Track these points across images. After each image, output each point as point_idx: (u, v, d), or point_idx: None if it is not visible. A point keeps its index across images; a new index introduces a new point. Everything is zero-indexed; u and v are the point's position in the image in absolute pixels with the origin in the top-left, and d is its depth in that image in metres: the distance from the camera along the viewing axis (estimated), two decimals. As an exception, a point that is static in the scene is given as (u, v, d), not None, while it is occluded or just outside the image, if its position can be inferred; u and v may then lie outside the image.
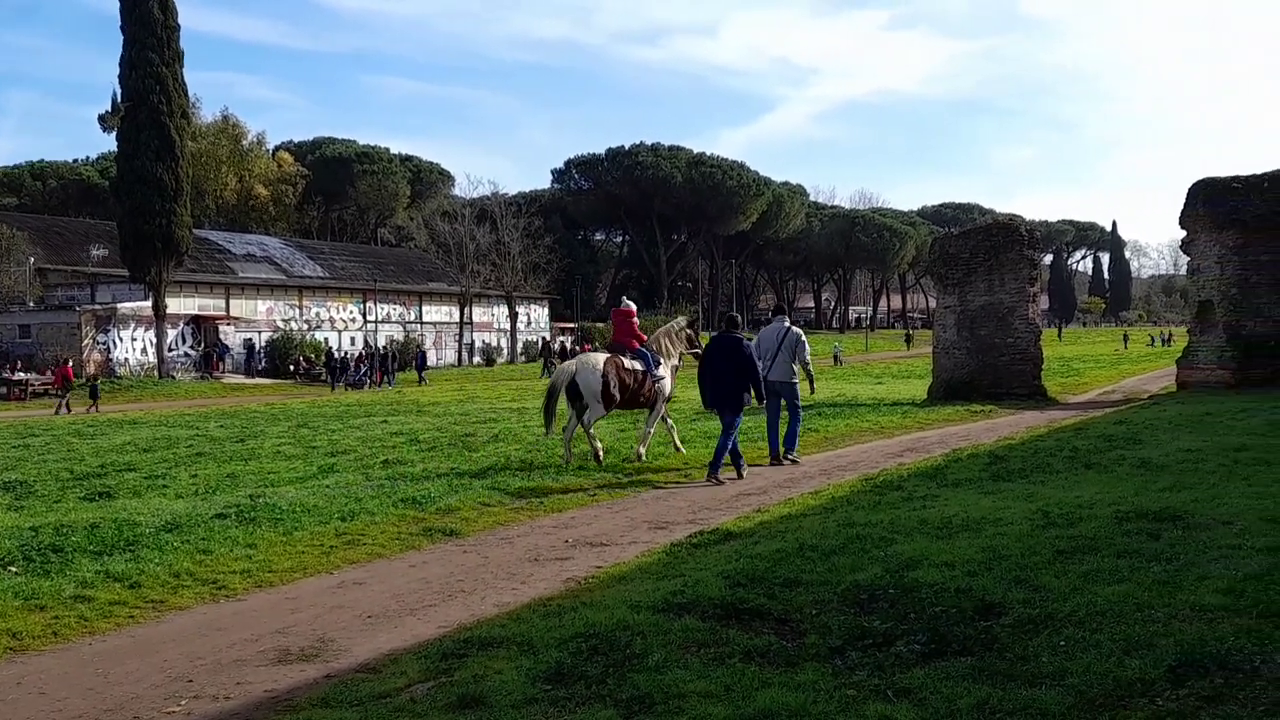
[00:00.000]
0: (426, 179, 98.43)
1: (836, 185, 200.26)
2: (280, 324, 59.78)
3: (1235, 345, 24.46)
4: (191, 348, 53.98)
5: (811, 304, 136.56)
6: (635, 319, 15.71)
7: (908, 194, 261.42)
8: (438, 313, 72.51)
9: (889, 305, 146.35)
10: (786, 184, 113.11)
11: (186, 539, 9.34)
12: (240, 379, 53.39)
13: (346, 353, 54.03)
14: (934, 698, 4.72)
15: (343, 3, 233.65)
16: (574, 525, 10.29)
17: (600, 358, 14.58)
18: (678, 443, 15.56)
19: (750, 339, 14.54)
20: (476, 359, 72.88)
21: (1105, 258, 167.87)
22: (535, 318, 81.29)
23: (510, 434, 18.81)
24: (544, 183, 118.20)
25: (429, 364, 59.18)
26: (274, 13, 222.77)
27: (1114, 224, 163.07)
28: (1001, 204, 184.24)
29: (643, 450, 15.02)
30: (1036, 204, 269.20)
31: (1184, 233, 26.52)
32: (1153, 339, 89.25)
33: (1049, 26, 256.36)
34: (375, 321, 66.27)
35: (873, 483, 11.71)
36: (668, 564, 8.02)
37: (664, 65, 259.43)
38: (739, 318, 15.75)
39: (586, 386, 14.09)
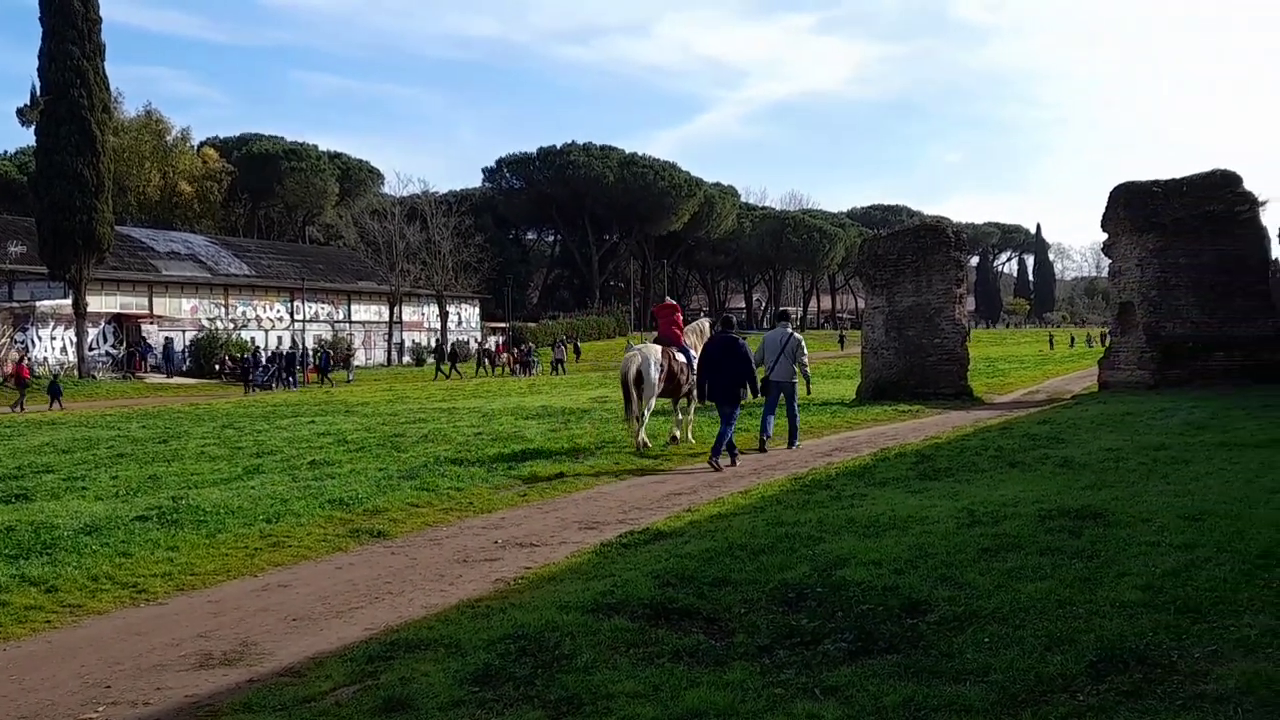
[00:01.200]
0: (355, 176, 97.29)
1: (768, 186, 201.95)
2: (205, 323, 58.88)
3: (1155, 346, 24.96)
4: (113, 347, 52.98)
5: (743, 304, 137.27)
6: (680, 314, 17.29)
7: (838, 196, 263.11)
8: (367, 312, 71.87)
9: (819, 306, 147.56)
10: (718, 185, 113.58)
11: (106, 542, 9.15)
12: (162, 379, 52.41)
13: (256, 352, 51.60)
14: (860, 695, 4.76)
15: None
16: (504, 526, 10.24)
17: (657, 349, 15.94)
18: (689, 425, 17.26)
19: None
20: (406, 359, 72.32)
21: (1030, 260, 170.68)
22: (466, 317, 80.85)
23: (440, 434, 18.66)
24: (475, 181, 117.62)
25: (358, 364, 58.57)
26: (198, 7, 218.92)
27: (1038, 227, 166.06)
28: (930, 206, 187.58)
29: (689, 435, 17.02)
30: (964, 206, 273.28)
31: (1106, 236, 27.04)
32: (1073, 339, 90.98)
33: (977, 31, 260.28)
34: (303, 321, 65.44)
35: (802, 482, 11.78)
36: (598, 564, 8.00)
37: (596, 65, 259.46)
38: (734, 318, 17.41)
39: (647, 377, 15.42)
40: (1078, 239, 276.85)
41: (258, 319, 63.22)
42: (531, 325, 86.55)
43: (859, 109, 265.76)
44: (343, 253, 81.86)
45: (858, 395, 26.84)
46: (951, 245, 26.90)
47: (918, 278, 26.69)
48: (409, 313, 74.69)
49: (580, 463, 14.33)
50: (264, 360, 50.24)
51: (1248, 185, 25.03)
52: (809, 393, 17.93)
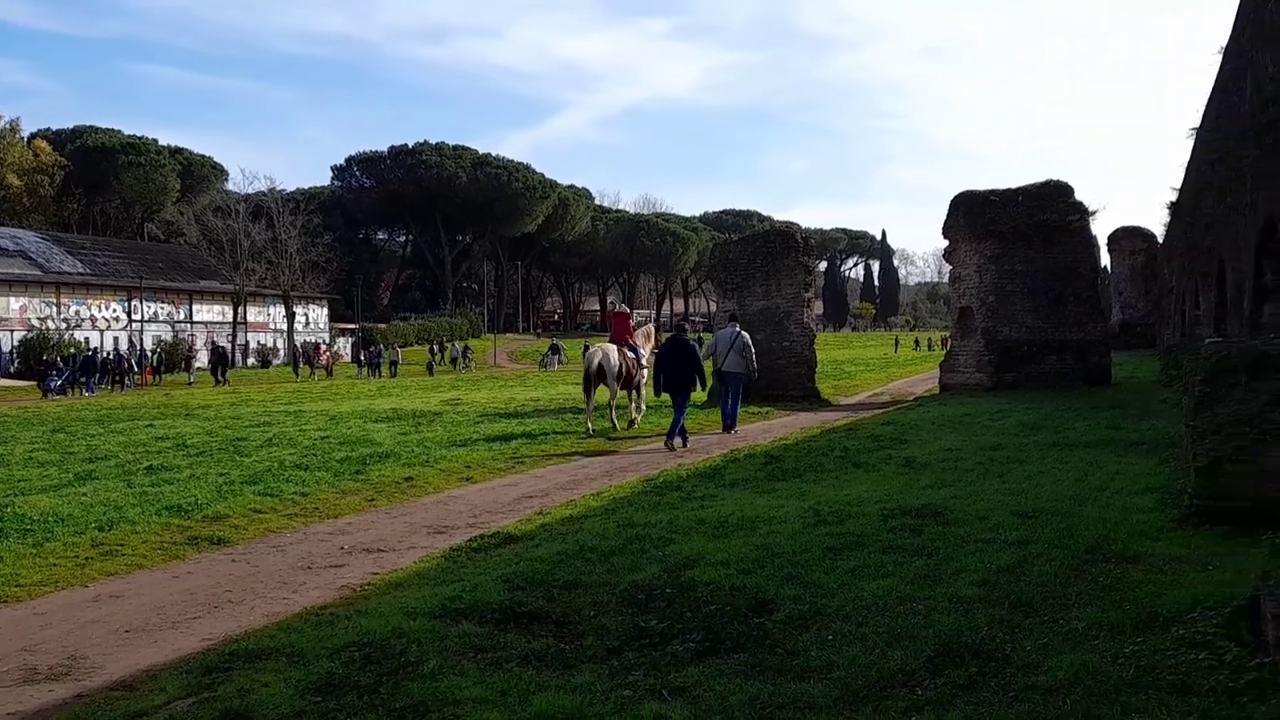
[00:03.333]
0: (198, 172, 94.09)
1: (621, 189, 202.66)
2: (36, 323, 56.26)
3: (992, 350, 25.86)
4: (-68, 348, 50.18)
5: (597, 307, 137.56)
6: (631, 320, 20.55)
7: (691, 200, 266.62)
8: (210, 312, 69.75)
9: (672, 309, 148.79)
10: (572, 187, 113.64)
11: (-79, 553, 8.65)
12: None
13: (65, 357, 47.64)
14: (708, 695, 4.80)
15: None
16: (350, 531, 10.02)
17: (614, 348, 19.15)
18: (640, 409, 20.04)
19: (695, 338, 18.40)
20: (251, 360, 70.37)
21: (876, 265, 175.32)
22: (314, 318, 79.13)
23: (285, 438, 18.19)
24: (324, 179, 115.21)
25: (200, 366, 56.52)
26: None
27: (883, 233, 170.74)
28: (780, 212, 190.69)
29: (638, 418, 19.84)
30: (813, 213, 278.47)
31: (946, 242, 27.88)
32: (917, 342, 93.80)
33: (823, 42, 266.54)
34: (141, 321, 63.09)
35: (653, 483, 11.85)
36: (446, 569, 7.89)
37: (448, 65, 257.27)
38: (687, 326, 20.73)
39: (609, 369, 18.66)
40: (921, 245, 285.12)
41: (92, 319, 60.74)
42: (382, 326, 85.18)
43: (711, 115, 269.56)
44: (184, 251, 79.13)
45: (709, 397, 27.08)
46: (800, 250, 27.40)
47: (767, 282, 27.13)
48: (254, 313, 72.70)
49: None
50: (60, 364, 45.87)
51: (1078, 196, 26.13)
52: (756, 378, 20.52)
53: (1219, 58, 17.79)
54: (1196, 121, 23.33)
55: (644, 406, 20.24)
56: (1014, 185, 26.59)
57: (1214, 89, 19.32)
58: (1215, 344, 9.26)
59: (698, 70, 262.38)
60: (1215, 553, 6.78)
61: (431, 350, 71.10)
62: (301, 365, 57.91)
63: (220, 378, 49.19)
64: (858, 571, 6.84)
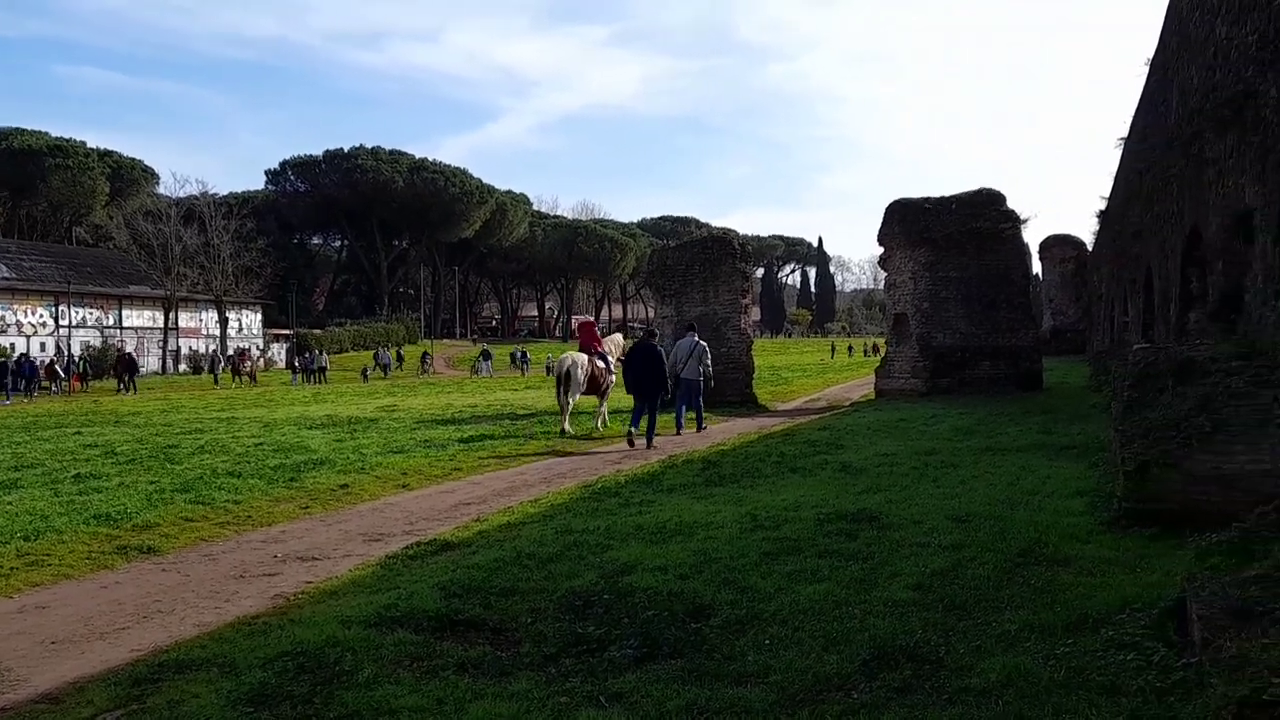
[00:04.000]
0: (128, 176, 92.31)
1: (559, 195, 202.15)
2: (-41, 328, 55.01)
3: (927, 355, 26.18)
4: None
5: (535, 313, 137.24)
6: (597, 328, 22.08)
7: (629, 206, 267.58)
8: (140, 317, 68.62)
9: (610, 315, 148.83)
10: (510, 192, 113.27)
11: None
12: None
13: None
14: (645, 701, 4.80)
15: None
16: (284, 539, 9.88)
17: (583, 356, 20.09)
18: (605, 420, 20.71)
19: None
20: (183, 366, 69.28)
21: (813, 272, 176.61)
22: (247, 324, 78.15)
23: (218, 445, 17.92)
24: (258, 184, 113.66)
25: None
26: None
27: (820, 240, 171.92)
28: (718, 218, 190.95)
29: (600, 425, 20.19)
30: (750, 219, 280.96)
31: (881, 249, 28.19)
32: (851, 349, 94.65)
33: (760, 51, 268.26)
34: (69, 326, 61.87)
35: (591, 489, 11.83)
36: (382, 577, 7.81)
37: (384, 69, 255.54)
38: (657, 331, 22.08)
39: (574, 376, 19.57)
40: (857, 252, 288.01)
41: (18, 324, 59.46)
42: (317, 332, 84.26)
43: (649, 122, 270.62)
44: (113, 255, 77.68)
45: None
46: (738, 256, 27.54)
47: (705, 288, 27.24)
48: (186, 319, 71.68)
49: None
50: None
51: (1011, 204, 26.54)
52: (712, 385, 21.35)
53: (1146, 69, 18.18)
54: (1125, 132, 23.84)
55: (605, 412, 20.99)
56: (948, 193, 26.93)
57: (1141, 100, 19.73)
58: (1143, 350, 9.45)
59: (636, 77, 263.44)
60: (1143, 555, 6.90)
61: (376, 356, 70.27)
62: (222, 372, 56.16)
63: (125, 385, 47.46)
64: (794, 576, 6.88)
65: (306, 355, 62.83)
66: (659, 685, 4.99)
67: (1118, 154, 26.05)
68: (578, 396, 19.95)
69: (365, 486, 13.10)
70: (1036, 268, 57.03)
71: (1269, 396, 7.48)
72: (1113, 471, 9.03)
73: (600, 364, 20.32)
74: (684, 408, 20.15)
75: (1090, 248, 45.51)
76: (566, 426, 19.27)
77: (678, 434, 19.33)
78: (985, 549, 7.34)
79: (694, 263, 27.47)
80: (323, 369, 57.85)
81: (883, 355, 28.93)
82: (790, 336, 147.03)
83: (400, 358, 69.63)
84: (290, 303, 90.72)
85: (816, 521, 8.68)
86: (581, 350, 20.64)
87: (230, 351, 65.53)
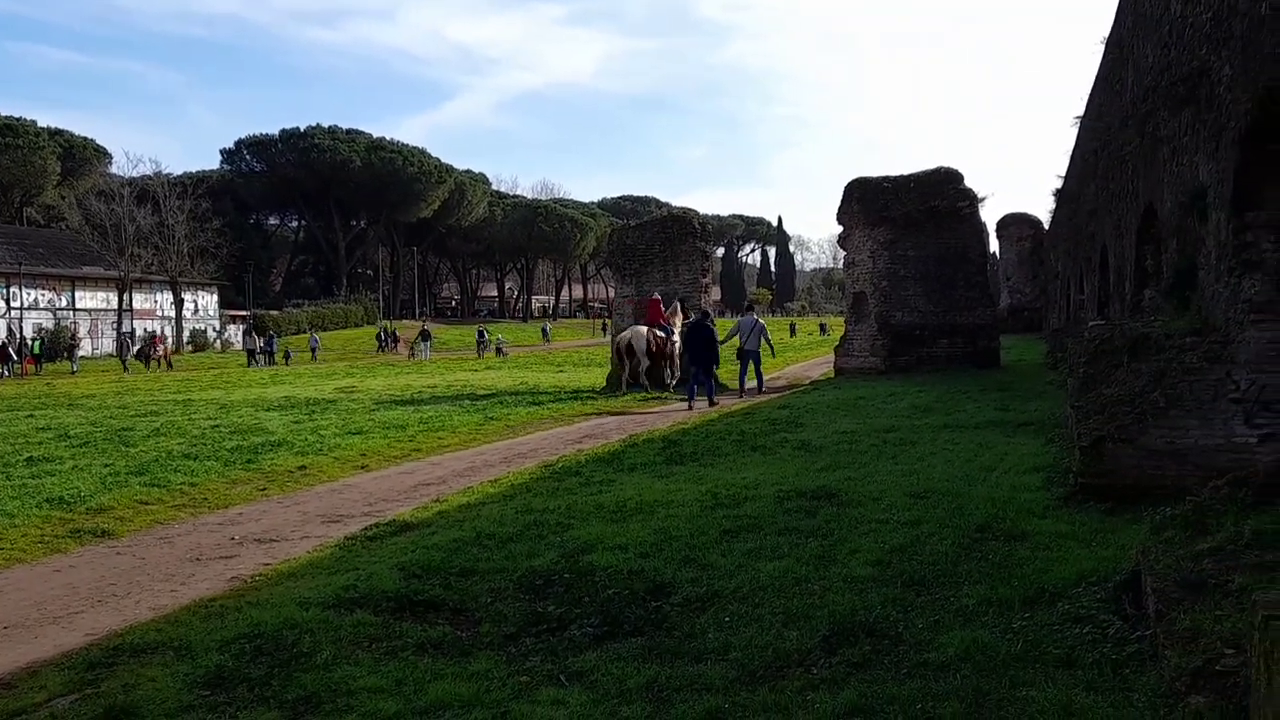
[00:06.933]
0: (80, 155, 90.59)
1: (519, 175, 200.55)
2: (-93, 311, 53.98)
3: (886, 334, 26.28)
4: None
5: (495, 293, 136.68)
6: (662, 305, 24.52)
7: (589, 186, 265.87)
8: (93, 299, 67.66)
9: (570, 295, 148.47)
10: (469, 172, 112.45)
11: None
12: None
13: None
14: (605, 679, 4.80)
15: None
16: (241, 521, 9.81)
17: (644, 328, 23.60)
18: (675, 378, 24.04)
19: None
20: (138, 348, 68.47)
21: (772, 251, 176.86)
22: (203, 305, 77.33)
23: (174, 427, 17.72)
24: (213, 163, 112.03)
25: (83, 354, 54.43)
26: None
27: (780, 220, 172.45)
28: (678, 198, 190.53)
29: (671, 384, 23.87)
30: (710, 199, 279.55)
31: (841, 229, 28.25)
32: (822, 327, 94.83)
33: (721, 29, 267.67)
34: (20, 308, 60.94)
35: (552, 469, 11.81)
36: (341, 558, 7.77)
37: (342, 48, 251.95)
38: (710, 311, 24.57)
39: (638, 346, 23.20)
40: (816, 232, 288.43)
41: (-31, 306, 58.52)
42: (274, 313, 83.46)
43: (609, 101, 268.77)
44: (65, 236, 76.32)
45: (608, 383, 27.12)
46: (697, 236, 27.50)
47: (665, 267, 27.16)
48: (140, 300, 70.72)
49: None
50: None
51: (968, 183, 26.70)
52: (773, 356, 27.27)
53: (1102, 48, 18.29)
54: (1081, 110, 23.99)
55: (677, 373, 24.13)
56: (907, 172, 27.02)
57: (1097, 78, 19.85)
58: (1098, 327, 9.54)
59: (596, 56, 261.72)
60: (1099, 529, 6.97)
61: (379, 337, 68.66)
62: (131, 358, 51.67)
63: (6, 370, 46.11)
64: (754, 553, 6.90)
65: (266, 336, 61.96)
66: (619, 663, 5.00)
67: (1074, 132, 26.21)
68: (646, 363, 23.46)
69: (324, 468, 13.02)
70: (994, 246, 57.42)
71: (1221, 372, 7.57)
72: (1069, 447, 9.12)
73: (660, 334, 23.69)
74: (745, 375, 23.71)
75: (1047, 226, 45.86)
76: (645, 383, 23.45)
77: (740, 395, 22.76)
78: (943, 525, 7.39)
79: (654, 242, 27.39)
80: (270, 351, 56.02)
81: (843, 334, 29.02)
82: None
83: (427, 335, 65.64)
84: (247, 284, 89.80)
85: (776, 499, 8.71)
86: (647, 324, 23.95)
87: (140, 333, 62.74)
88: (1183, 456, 7.61)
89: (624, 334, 23.73)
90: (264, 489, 11.60)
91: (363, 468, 13.16)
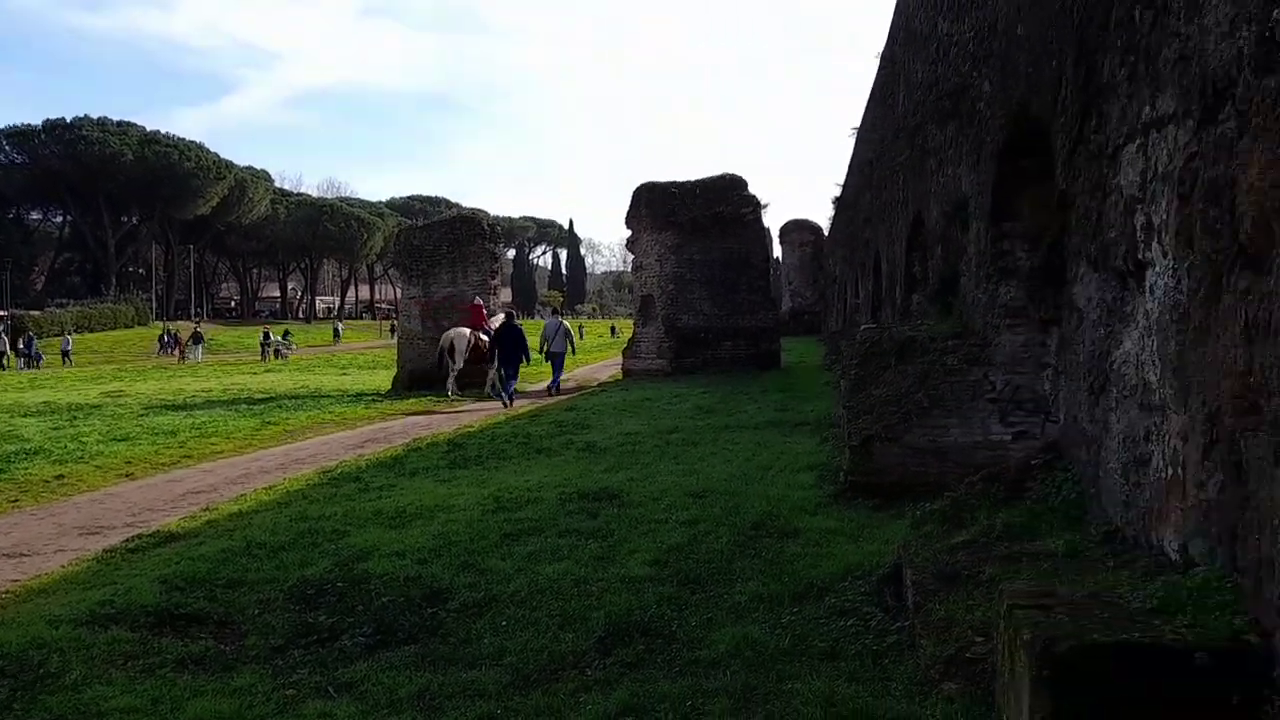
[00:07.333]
0: None
1: (304, 172, 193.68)
2: None
3: (672, 336, 26.72)
4: None
5: (277, 293, 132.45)
6: (485, 310, 25.29)
7: (378, 185, 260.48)
8: None
9: (357, 295, 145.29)
10: (250, 168, 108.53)
11: None
12: None
13: None
14: (376, 689, 4.68)
15: None
16: (-12, 535, 9.16)
17: (467, 330, 23.98)
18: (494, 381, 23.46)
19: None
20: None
21: (564, 254, 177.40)
22: (-45, 304, 72.19)
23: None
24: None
25: None
26: None
27: (571, 222, 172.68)
28: (470, 199, 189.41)
29: (488, 389, 23.28)
30: (502, 200, 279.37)
31: (629, 232, 28.56)
32: (613, 329, 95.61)
33: (508, 31, 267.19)
34: None
35: (330, 475, 11.49)
36: (98, 572, 7.34)
37: (111, 35, 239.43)
38: (515, 312, 26.19)
39: (459, 347, 23.58)
40: (607, 235, 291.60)
41: None
42: (35, 314, 78.60)
43: (400, 99, 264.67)
44: None
45: (394, 386, 26.65)
46: (486, 237, 27.34)
47: (454, 268, 26.90)
48: (-117, 298, 65.48)
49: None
50: None
51: (752, 189, 27.40)
52: (574, 354, 27.92)
53: (877, 62, 19.05)
54: (858, 122, 24.96)
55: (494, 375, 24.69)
56: (695, 178, 27.52)
57: (872, 92, 20.68)
58: (868, 330, 9.91)
59: (386, 53, 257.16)
60: (866, 525, 7.23)
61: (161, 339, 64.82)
62: None
63: None
64: (534, 556, 6.87)
65: (25, 338, 58.14)
66: (391, 672, 4.89)
67: (852, 143, 27.25)
68: (461, 364, 23.64)
69: (84, 477, 12.31)
70: (777, 252, 59.21)
71: (979, 373, 7.97)
72: (840, 446, 9.43)
73: (484, 337, 23.91)
74: (558, 371, 25.25)
75: (827, 233, 47.49)
76: (452, 389, 23.34)
77: (549, 394, 23.66)
78: (720, 523, 7.53)
79: (442, 243, 27.08)
80: (36, 353, 52.62)
81: (631, 336, 29.34)
82: (543, 318, 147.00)
83: (199, 338, 62.99)
84: (4, 282, 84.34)
85: (559, 501, 8.71)
86: (470, 326, 24.41)
87: None
88: (944, 454, 7.98)
89: (447, 334, 24.08)
90: (15, 500, 10.88)
91: (128, 476, 12.50)
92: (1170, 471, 4.18)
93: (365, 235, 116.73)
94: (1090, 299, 5.53)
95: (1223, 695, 3.11)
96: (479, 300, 25.71)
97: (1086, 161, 5.37)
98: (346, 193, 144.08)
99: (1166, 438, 4.22)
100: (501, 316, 25.39)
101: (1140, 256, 4.54)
